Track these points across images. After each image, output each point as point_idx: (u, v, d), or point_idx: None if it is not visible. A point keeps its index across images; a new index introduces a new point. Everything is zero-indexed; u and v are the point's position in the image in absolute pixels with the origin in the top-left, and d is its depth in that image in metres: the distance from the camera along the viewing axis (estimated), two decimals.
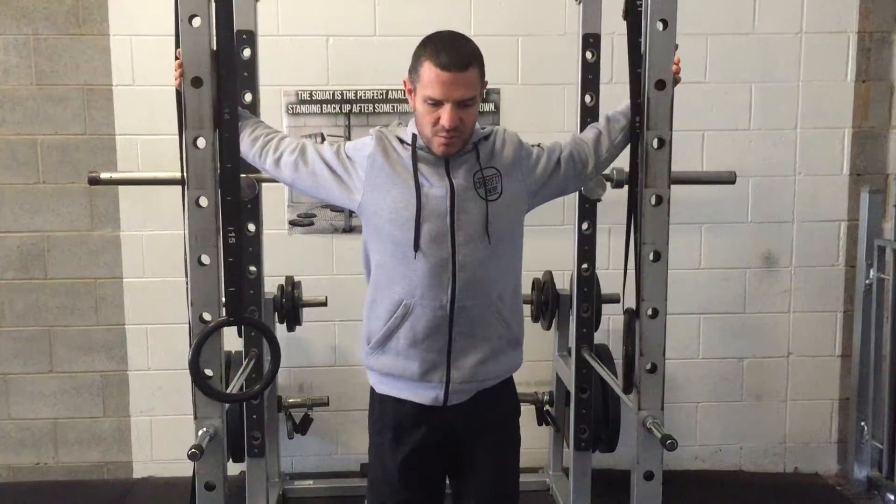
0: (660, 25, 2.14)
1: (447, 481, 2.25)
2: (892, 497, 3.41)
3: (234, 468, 3.19)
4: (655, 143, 2.19)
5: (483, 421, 2.13)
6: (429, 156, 2.02)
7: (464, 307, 2.01)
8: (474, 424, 2.12)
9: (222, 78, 2.07)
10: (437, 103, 1.93)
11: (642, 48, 2.17)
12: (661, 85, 2.16)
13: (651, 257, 2.24)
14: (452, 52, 1.93)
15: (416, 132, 2.03)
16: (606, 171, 2.71)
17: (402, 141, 2.06)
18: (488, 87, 3.52)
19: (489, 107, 3.56)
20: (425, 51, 1.95)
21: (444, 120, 1.92)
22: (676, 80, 2.19)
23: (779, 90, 3.61)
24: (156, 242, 3.57)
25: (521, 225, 2.16)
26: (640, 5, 2.17)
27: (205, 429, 2.14)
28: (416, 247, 1.97)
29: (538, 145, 2.18)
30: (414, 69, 1.98)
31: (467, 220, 1.99)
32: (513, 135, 2.14)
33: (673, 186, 3.54)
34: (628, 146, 2.26)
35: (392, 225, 2.00)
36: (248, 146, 2.17)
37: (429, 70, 1.92)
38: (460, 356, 2.04)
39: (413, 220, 1.97)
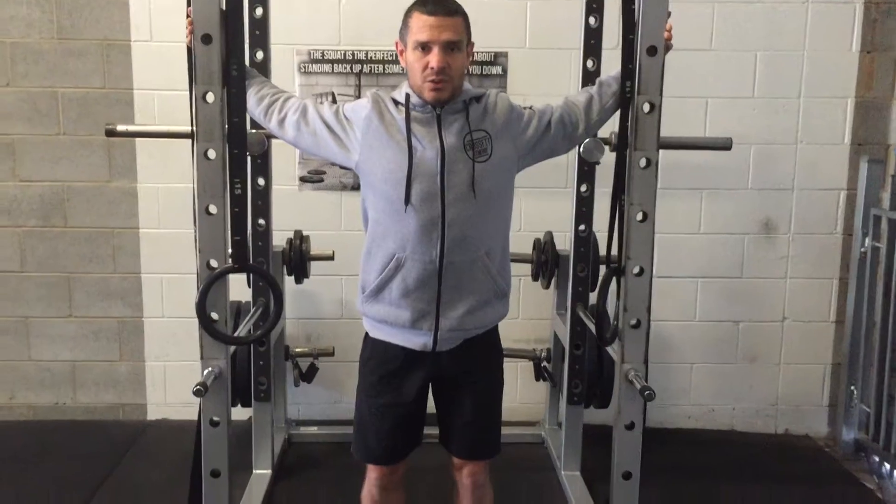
0: None
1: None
2: (877, 459, 3.51)
3: (243, 413, 3.33)
4: (646, 107, 2.27)
5: (469, 365, 2.25)
6: (421, 115, 2.12)
7: (452, 262, 2.12)
8: (460, 367, 2.24)
9: (231, 36, 2.17)
10: (425, 47, 2.05)
11: (635, 15, 2.24)
12: (652, 51, 2.23)
13: (639, 218, 2.32)
14: (438, 1, 2.08)
15: (409, 91, 2.13)
16: (605, 135, 2.80)
17: (396, 102, 2.16)
18: (496, 50, 3.64)
19: (497, 70, 3.64)
20: (413, 6, 2.11)
21: (433, 61, 2.04)
22: (668, 47, 2.27)
23: (783, 59, 3.66)
24: (171, 194, 3.69)
25: (511, 185, 2.25)
26: None
27: (210, 368, 2.28)
28: (407, 203, 2.08)
29: (530, 108, 2.26)
30: (404, 25, 2.13)
31: (456, 180, 2.09)
32: (504, 98, 2.23)
33: (674, 152, 3.62)
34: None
35: (386, 184, 2.11)
36: (255, 105, 2.28)
37: (417, 18, 2.07)
38: (448, 307, 2.16)
39: (405, 180, 2.08)
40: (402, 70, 2.18)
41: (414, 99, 2.12)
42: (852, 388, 3.68)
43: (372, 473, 2.35)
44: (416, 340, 2.19)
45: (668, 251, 3.76)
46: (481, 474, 2.36)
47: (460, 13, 2.11)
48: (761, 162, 3.72)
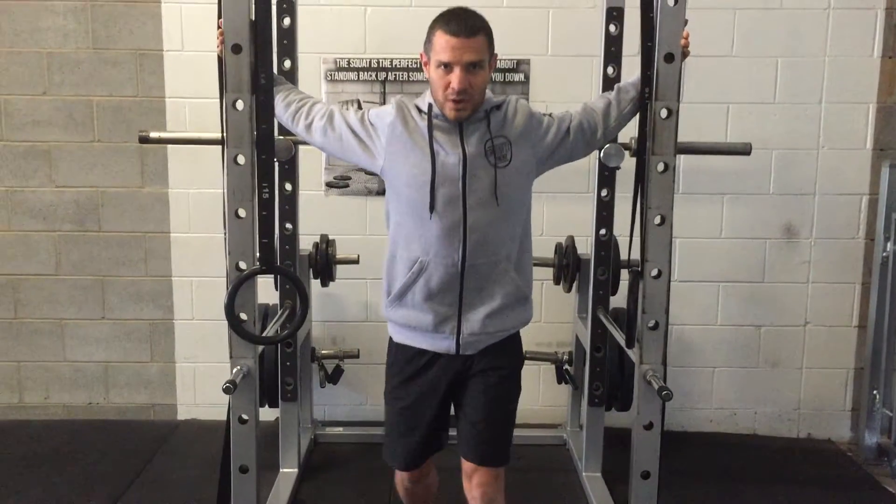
0: (671, 1, 2.24)
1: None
2: None
3: (270, 414, 3.40)
4: (664, 113, 2.31)
5: (488, 368, 2.28)
6: (443, 123, 2.18)
7: (474, 265, 2.18)
8: (479, 369, 2.28)
9: (259, 45, 2.25)
10: (448, 67, 2.09)
11: (653, 22, 2.29)
12: (670, 58, 2.28)
13: (657, 221, 2.37)
14: (462, 20, 2.10)
15: (432, 101, 2.19)
16: (625, 140, 2.85)
17: (419, 110, 2.22)
18: (518, 58, 3.70)
19: (519, 77, 3.69)
20: (437, 23, 2.13)
21: (455, 82, 2.08)
22: (685, 54, 2.31)
23: (805, 65, 3.68)
24: (201, 200, 3.78)
25: (530, 190, 2.30)
26: None
27: (239, 367, 2.35)
28: (432, 209, 2.14)
29: (549, 115, 2.32)
30: (428, 40, 2.16)
31: (478, 185, 2.15)
32: (524, 105, 2.29)
33: (696, 158, 3.66)
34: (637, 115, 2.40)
35: (410, 188, 2.17)
36: (283, 111, 2.35)
37: (440, 37, 2.10)
38: (470, 310, 2.22)
39: (429, 185, 2.13)
40: (426, 79, 2.24)
41: (436, 110, 2.18)
42: (874, 392, 3.68)
43: (399, 474, 2.42)
44: (439, 344, 2.25)
45: (690, 255, 3.80)
46: (491, 486, 2.32)
47: (483, 31, 2.12)
48: (783, 167, 3.74)
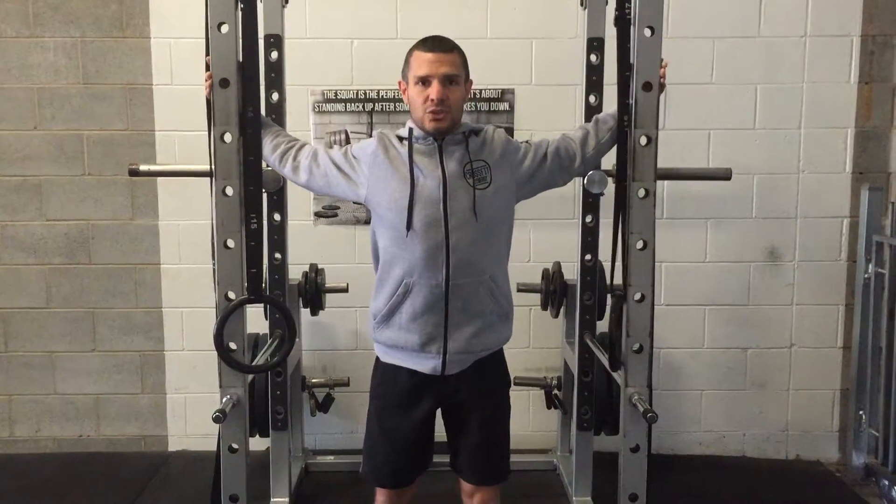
0: (647, 32, 2.31)
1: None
2: (886, 483, 3.53)
3: (261, 444, 3.41)
4: (643, 140, 2.36)
5: (476, 390, 2.34)
6: (423, 146, 2.26)
7: (458, 285, 2.23)
8: (468, 392, 2.33)
9: (247, 80, 2.31)
10: (426, 82, 2.21)
11: (630, 53, 2.35)
12: (647, 87, 2.34)
13: (639, 246, 2.41)
14: (437, 40, 2.26)
15: (413, 126, 2.27)
16: (608, 167, 2.90)
17: (400, 138, 2.30)
18: (503, 87, 3.76)
19: (504, 106, 3.75)
20: (413, 47, 2.28)
21: (433, 93, 2.19)
22: (662, 86, 2.37)
23: (783, 91, 3.75)
24: (191, 231, 3.81)
25: (511, 214, 2.37)
26: (629, 13, 2.36)
27: (228, 396, 2.37)
28: (409, 229, 2.19)
29: (526, 142, 2.40)
30: (406, 65, 2.29)
31: (458, 206, 2.21)
32: (501, 132, 2.37)
33: (680, 183, 3.72)
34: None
35: (392, 213, 2.23)
36: (270, 152, 2.42)
37: (417, 56, 2.24)
38: (456, 329, 2.26)
39: (407, 207, 2.20)
40: (409, 109, 2.31)
41: (416, 132, 2.26)
42: (861, 412, 3.71)
43: (380, 497, 2.44)
44: (425, 364, 2.29)
45: (675, 280, 3.84)
46: (491, 502, 2.43)
47: (457, 50, 2.27)
48: (764, 191, 3.80)
